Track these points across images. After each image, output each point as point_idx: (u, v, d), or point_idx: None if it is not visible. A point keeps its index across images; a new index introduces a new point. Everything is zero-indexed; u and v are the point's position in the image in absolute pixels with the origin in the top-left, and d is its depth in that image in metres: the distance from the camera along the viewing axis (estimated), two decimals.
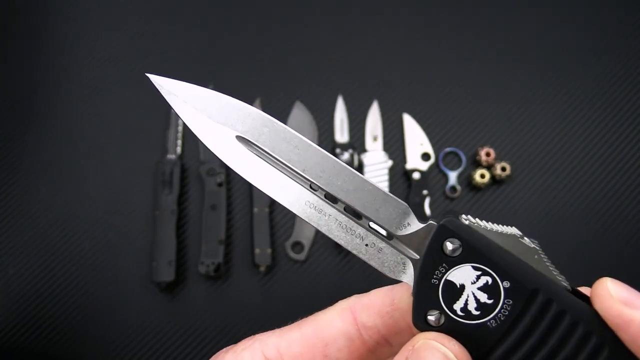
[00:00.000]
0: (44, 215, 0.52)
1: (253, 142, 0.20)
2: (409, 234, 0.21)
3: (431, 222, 0.21)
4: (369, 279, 0.50)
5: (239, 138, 0.20)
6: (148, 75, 0.22)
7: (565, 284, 0.21)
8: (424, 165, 0.53)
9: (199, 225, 0.51)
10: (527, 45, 0.57)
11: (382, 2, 0.59)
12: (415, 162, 0.53)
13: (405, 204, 0.21)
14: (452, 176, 0.53)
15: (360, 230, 0.21)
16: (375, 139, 0.54)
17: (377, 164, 0.53)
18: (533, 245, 0.22)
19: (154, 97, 0.59)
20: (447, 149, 0.54)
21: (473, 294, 0.21)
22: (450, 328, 0.21)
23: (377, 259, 0.21)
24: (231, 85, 0.56)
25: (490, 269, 0.21)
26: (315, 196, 0.21)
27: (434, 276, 0.21)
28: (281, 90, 0.56)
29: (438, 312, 0.21)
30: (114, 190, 0.53)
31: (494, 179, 0.53)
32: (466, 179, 0.53)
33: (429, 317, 0.21)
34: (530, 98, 0.56)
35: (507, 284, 0.21)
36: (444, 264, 0.21)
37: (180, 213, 0.51)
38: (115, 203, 0.52)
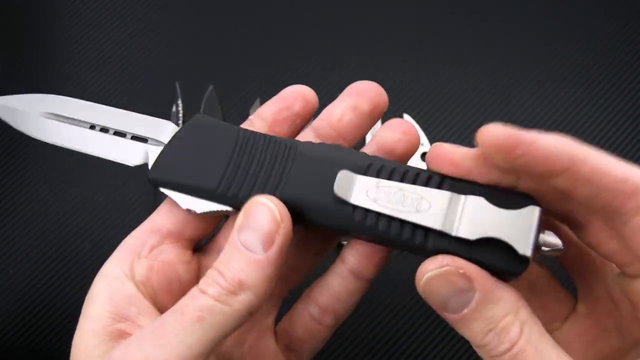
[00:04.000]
0: (44, 215, 0.52)
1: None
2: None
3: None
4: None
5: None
6: None
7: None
8: (424, 165, 0.53)
9: None
10: (529, 46, 0.57)
11: (383, 2, 0.59)
12: (415, 162, 0.53)
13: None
14: None
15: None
16: None
17: None
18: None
19: (154, 98, 0.59)
20: None
21: None
22: None
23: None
24: (230, 85, 0.56)
25: None
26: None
27: None
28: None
29: None
30: (114, 190, 0.53)
31: None
32: None
33: None
34: (530, 98, 0.56)
35: None
36: None
37: None
38: (115, 203, 0.52)
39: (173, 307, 0.24)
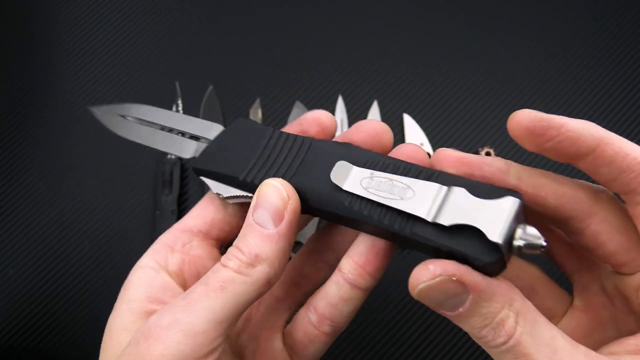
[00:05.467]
0: (44, 215, 0.52)
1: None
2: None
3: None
4: None
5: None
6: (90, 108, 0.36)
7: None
8: None
9: None
10: (528, 46, 0.57)
11: (383, 2, 0.59)
12: None
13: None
14: None
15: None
16: None
17: None
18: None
19: (154, 98, 0.59)
20: None
21: None
22: None
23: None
24: (231, 85, 0.56)
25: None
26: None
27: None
28: (281, 90, 0.56)
29: None
30: (114, 190, 0.53)
31: None
32: None
33: None
34: (530, 98, 0.56)
35: None
36: None
37: (180, 213, 0.51)
38: (115, 203, 0.52)
39: (199, 281, 0.27)
